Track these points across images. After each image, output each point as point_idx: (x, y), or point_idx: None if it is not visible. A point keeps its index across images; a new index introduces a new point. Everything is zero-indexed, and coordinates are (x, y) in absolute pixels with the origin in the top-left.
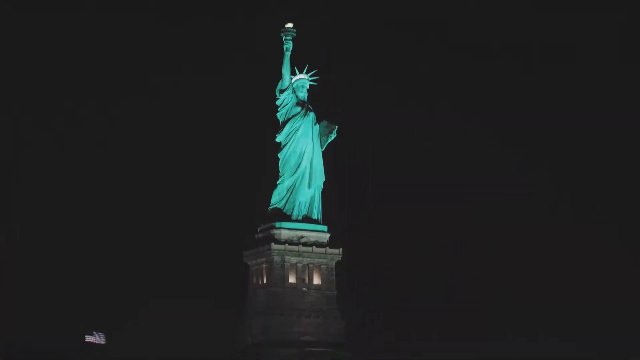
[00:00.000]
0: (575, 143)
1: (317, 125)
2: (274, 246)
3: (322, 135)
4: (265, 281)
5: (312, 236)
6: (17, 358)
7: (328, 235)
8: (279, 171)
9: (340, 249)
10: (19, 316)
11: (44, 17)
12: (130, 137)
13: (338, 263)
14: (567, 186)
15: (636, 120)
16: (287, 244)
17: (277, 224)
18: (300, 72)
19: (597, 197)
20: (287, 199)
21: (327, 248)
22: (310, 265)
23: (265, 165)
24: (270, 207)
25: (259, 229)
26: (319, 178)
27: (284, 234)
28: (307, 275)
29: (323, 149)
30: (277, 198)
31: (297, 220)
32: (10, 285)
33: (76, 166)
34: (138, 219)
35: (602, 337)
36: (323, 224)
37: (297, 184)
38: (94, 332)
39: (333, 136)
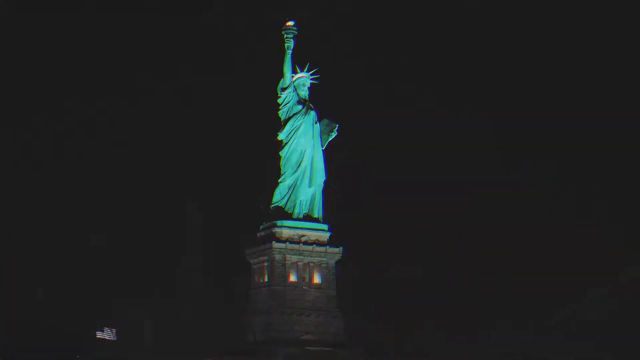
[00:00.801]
0: (574, 143)
1: (318, 123)
2: (275, 245)
3: (323, 133)
4: (266, 279)
5: (313, 235)
6: (17, 358)
7: (328, 234)
8: (280, 169)
9: (341, 248)
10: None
11: (44, 17)
12: (130, 136)
13: (338, 262)
14: (566, 186)
15: (636, 120)
16: (288, 243)
17: (279, 222)
18: (302, 70)
19: (596, 197)
20: (289, 198)
21: (327, 247)
22: (311, 264)
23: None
24: (272, 205)
25: (261, 227)
26: (320, 176)
27: (285, 232)
28: (307, 274)
29: (324, 147)
30: (279, 196)
31: (298, 219)
32: (10, 285)
33: (76, 166)
34: (137, 217)
35: (602, 337)
36: (324, 222)
37: (298, 183)
38: (105, 328)
39: (334, 134)
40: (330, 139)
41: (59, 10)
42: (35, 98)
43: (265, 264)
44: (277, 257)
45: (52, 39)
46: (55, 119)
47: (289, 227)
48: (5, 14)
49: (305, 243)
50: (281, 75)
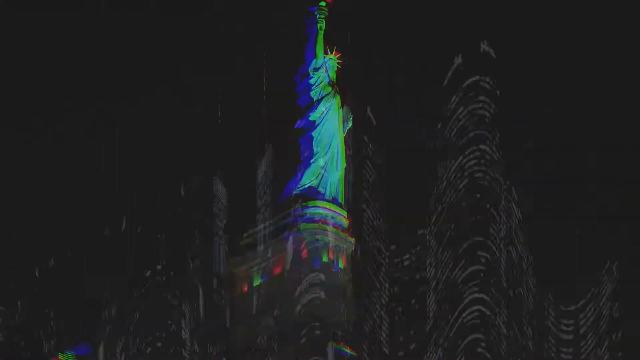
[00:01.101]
0: (574, 142)
1: (342, 109)
2: (305, 226)
3: (343, 121)
4: (280, 271)
5: (339, 219)
6: (16, 358)
7: (347, 220)
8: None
9: (354, 238)
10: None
11: (44, 17)
12: (128, 137)
13: (355, 249)
14: (566, 186)
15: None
16: (321, 222)
17: (311, 203)
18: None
19: (595, 197)
20: (322, 178)
21: (348, 234)
22: (335, 248)
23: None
24: (301, 188)
25: (284, 214)
26: (342, 162)
27: (319, 212)
28: (335, 256)
29: (344, 135)
30: (309, 177)
31: (329, 200)
32: (10, 285)
33: (74, 167)
34: (136, 217)
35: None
36: (344, 209)
37: (329, 164)
38: (79, 344)
39: (349, 125)
40: (346, 129)
41: (59, 10)
42: (33, 98)
43: (280, 254)
44: (308, 237)
45: (52, 39)
46: (54, 118)
47: (323, 207)
48: (5, 14)
49: (334, 226)
50: (303, 59)
